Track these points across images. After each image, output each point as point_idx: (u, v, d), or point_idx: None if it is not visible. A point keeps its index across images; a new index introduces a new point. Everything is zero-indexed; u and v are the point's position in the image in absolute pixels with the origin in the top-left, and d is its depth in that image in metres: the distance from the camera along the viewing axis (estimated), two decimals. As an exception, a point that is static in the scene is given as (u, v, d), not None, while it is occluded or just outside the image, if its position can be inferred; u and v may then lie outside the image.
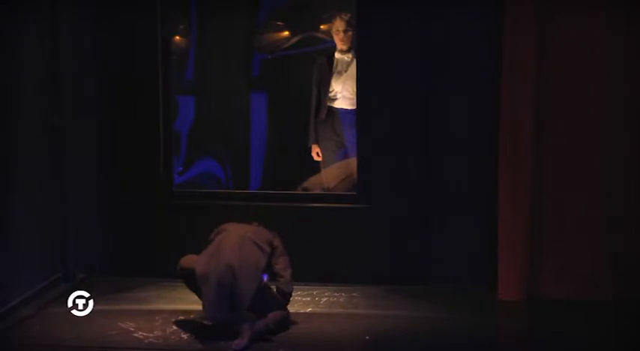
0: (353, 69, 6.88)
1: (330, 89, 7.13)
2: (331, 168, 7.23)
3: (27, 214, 5.99)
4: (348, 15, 6.91)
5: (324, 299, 6.24)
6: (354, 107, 6.82)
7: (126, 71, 6.62)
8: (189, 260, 5.60)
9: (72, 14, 6.40)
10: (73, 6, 6.42)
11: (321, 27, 7.46)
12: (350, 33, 6.97)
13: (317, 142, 7.24)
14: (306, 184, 7.26)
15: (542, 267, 6.13)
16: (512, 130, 6.03)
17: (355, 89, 6.73)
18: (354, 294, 6.34)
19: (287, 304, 5.68)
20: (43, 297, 6.11)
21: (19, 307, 5.84)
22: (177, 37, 7.48)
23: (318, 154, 7.25)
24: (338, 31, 7.04)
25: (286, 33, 7.60)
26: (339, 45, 7.06)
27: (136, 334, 5.53)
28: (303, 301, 6.16)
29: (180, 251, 5.77)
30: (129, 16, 6.58)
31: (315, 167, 7.37)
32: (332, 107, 7.17)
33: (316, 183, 7.27)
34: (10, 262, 5.73)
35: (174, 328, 5.64)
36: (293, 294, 5.73)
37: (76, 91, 6.48)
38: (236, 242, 5.47)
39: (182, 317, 5.81)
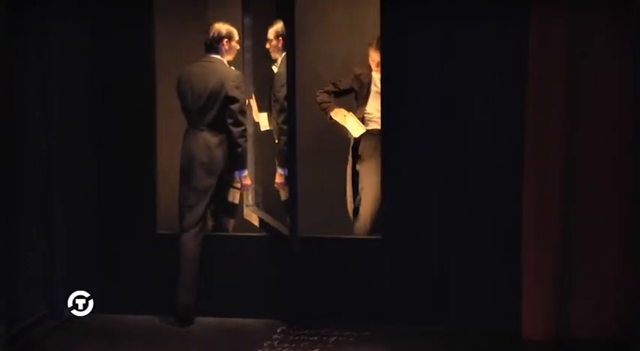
0: None
1: None
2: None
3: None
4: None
5: (333, 338, 5.82)
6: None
7: (121, 88, 6.28)
8: None
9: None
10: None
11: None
12: None
13: None
14: None
15: (571, 304, 5.71)
16: (537, 159, 5.64)
17: None
18: (366, 333, 5.91)
19: None
20: (28, 335, 5.80)
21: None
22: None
23: None
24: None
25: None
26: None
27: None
28: (310, 341, 5.75)
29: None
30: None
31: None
32: None
33: None
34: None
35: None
36: (299, 333, 5.65)
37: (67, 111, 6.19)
38: None
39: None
